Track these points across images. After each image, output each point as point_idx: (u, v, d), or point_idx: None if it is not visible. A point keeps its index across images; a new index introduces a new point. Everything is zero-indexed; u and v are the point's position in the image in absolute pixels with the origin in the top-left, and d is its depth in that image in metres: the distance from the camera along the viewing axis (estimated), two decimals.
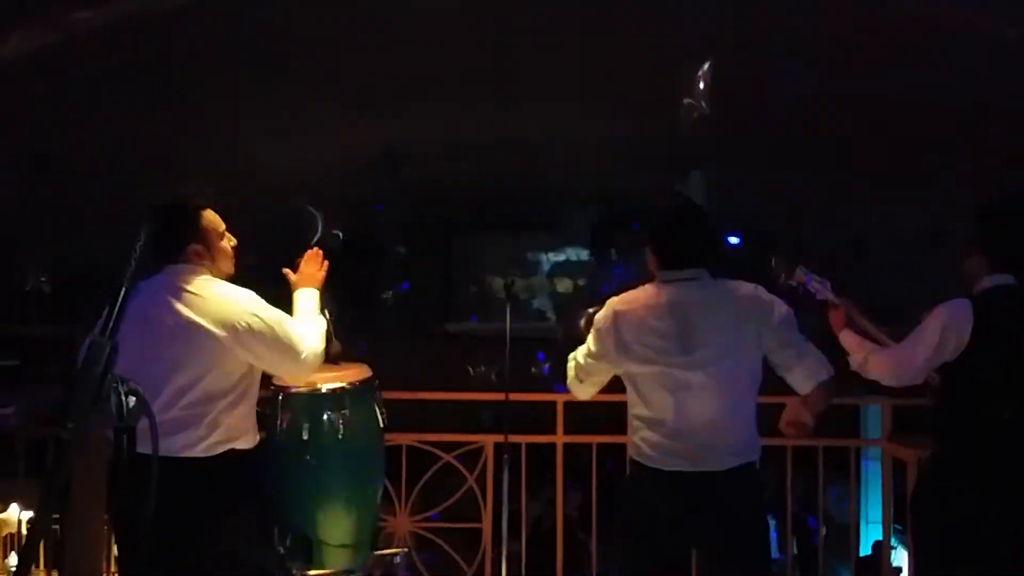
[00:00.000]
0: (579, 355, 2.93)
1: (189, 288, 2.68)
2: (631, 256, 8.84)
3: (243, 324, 2.64)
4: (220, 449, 2.66)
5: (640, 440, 2.73)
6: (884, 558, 4.42)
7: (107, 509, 2.72)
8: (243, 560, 2.65)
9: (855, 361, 2.97)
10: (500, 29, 5.35)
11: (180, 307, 2.64)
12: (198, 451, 2.62)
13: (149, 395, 2.50)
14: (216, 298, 2.68)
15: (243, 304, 2.69)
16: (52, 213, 5.71)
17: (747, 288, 2.75)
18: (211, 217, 2.83)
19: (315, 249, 3.11)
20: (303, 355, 2.76)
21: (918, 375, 2.78)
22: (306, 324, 2.87)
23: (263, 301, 2.74)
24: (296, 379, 3.01)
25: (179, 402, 2.61)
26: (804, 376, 2.68)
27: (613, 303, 2.83)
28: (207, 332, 2.62)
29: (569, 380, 2.99)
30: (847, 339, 3.00)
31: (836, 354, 2.95)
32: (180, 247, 2.75)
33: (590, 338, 2.87)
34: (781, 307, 2.71)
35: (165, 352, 2.61)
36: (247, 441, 2.75)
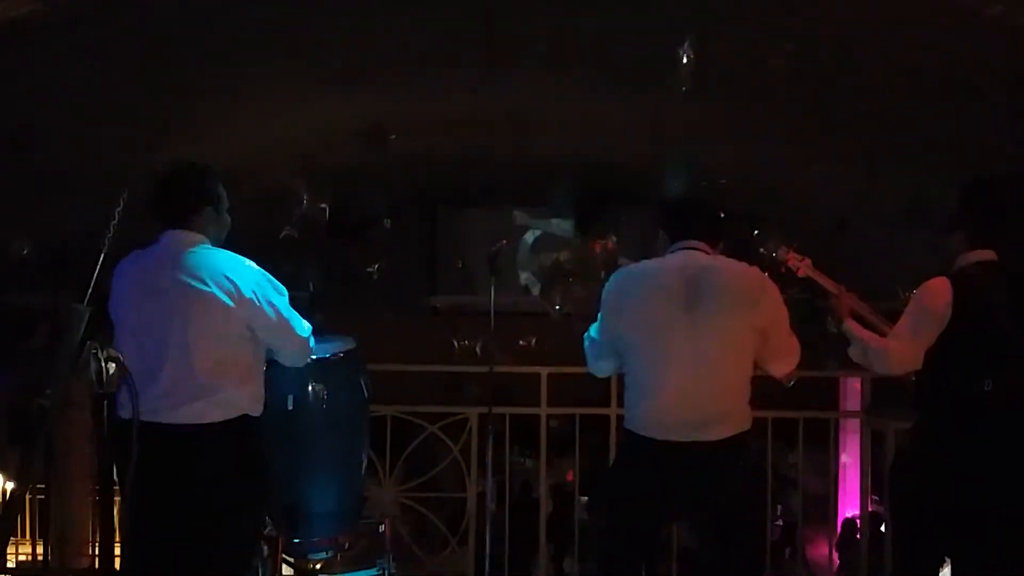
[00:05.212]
0: (592, 331, 2.94)
1: (193, 255, 2.64)
2: (618, 230, 8.87)
3: (249, 292, 2.63)
4: (232, 414, 2.63)
5: (633, 409, 2.75)
6: (862, 528, 4.49)
7: (98, 476, 2.69)
8: (245, 525, 2.68)
9: (855, 355, 2.98)
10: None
11: (184, 275, 2.59)
12: (209, 418, 2.59)
13: (158, 364, 2.50)
14: (223, 265, 2.65)
15: (250, 273, 2.67)
16: (33, 183, 5.66)
17: (754, 273, 2.82)
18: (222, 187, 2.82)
19: None
20: (304, 334, 2.77)
21: (916, 361, 2.81)
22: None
23: (268, 273, 2.72)
24: (293, 359, 2.88)
25: (189, 370, 2.57)
26: (772, 368, 2.90)
27: (617, 271, 2.92)
28: (213, 298, 2.59)
29: (588, 360, 2.99)
30: (851, 330, 2.99)
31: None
32: (196, 208, 2.71)
33: (600, 312, 2.88)
34: (778, 303, 2.81)
35: (171, 322, 2.57)
36: (254, 409, 2.73)
